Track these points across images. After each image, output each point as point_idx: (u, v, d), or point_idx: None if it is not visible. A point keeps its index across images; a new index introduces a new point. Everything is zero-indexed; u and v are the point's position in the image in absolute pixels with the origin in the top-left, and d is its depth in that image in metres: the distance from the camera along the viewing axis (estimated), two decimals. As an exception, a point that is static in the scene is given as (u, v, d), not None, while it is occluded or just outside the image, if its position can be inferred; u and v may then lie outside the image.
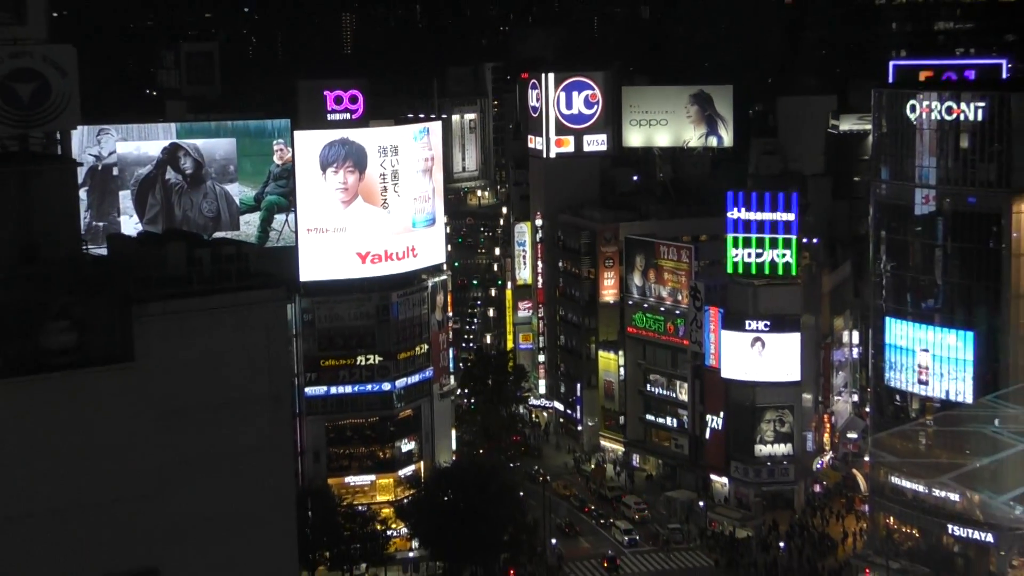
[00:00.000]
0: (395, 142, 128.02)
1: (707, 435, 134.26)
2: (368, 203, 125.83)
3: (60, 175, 62.30)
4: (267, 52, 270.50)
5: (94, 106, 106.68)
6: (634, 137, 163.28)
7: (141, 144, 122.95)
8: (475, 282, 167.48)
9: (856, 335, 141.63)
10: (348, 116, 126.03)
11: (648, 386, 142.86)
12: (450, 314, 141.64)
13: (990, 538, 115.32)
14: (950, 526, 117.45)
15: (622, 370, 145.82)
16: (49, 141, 66.18)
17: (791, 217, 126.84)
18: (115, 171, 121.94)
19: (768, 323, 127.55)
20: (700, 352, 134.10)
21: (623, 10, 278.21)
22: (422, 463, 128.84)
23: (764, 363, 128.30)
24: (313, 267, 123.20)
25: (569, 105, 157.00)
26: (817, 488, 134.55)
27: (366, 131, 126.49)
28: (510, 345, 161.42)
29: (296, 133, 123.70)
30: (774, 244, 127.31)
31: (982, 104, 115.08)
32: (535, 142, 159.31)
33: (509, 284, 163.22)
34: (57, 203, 60.58)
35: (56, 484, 50.52)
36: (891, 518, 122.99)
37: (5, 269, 56.69)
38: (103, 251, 61.72)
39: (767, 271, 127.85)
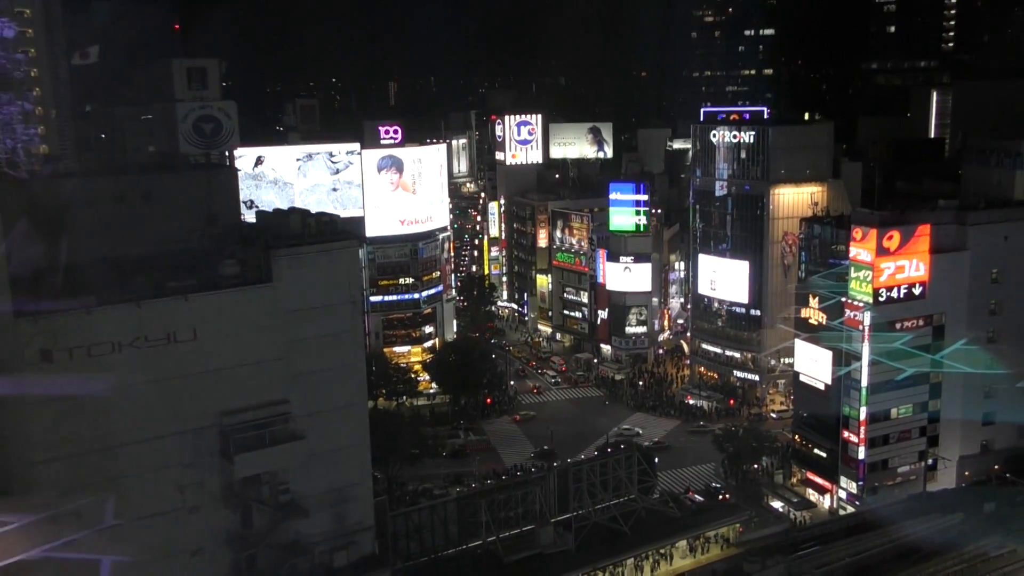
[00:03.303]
0: (420, 156, 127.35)
1: (598, 322, 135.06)
2: (405, 191, 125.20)
3: (228, 176, 62.15)
4: (346, 104, 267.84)
5: (246, 137, 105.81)
6: (556, 152, 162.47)
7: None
8: (466, 236, 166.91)
9: (682, 264, 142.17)
10: (393, 141, 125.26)
11: (565, 294, 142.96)
12: (452, 254, 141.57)
13: (756, 378, 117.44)
14: (734, 371, 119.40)
15: (550, 285, 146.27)
16: (222, 157, 65.95)
17: (644, 198, 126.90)
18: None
19: (632, 258, 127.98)
20: (594, 275, 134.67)
21: (550, 80, 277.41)
22: (437, 339, 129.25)
23: (630, 281, 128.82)
24: (374, 227, 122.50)
25: (519, 134, 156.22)
26: (660, 351, 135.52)
27: (404, 150, 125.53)
28: (486, 271, 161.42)
29: (363, 151, 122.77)
30: (634, 213, 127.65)
31: (753, 133, 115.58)
32: (499, 155, 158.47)
33: (486, 237, 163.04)
34: (227, 192, 60.46)
35: (228, 352, 50.80)
36: (702, 367, 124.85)
37: (198, 230, 56.76)
38: (253, 219, 61.41)
39: (629, 229, 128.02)
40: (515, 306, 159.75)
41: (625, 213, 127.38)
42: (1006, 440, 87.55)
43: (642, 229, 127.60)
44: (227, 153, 68.36)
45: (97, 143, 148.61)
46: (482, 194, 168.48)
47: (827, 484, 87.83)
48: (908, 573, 62.01)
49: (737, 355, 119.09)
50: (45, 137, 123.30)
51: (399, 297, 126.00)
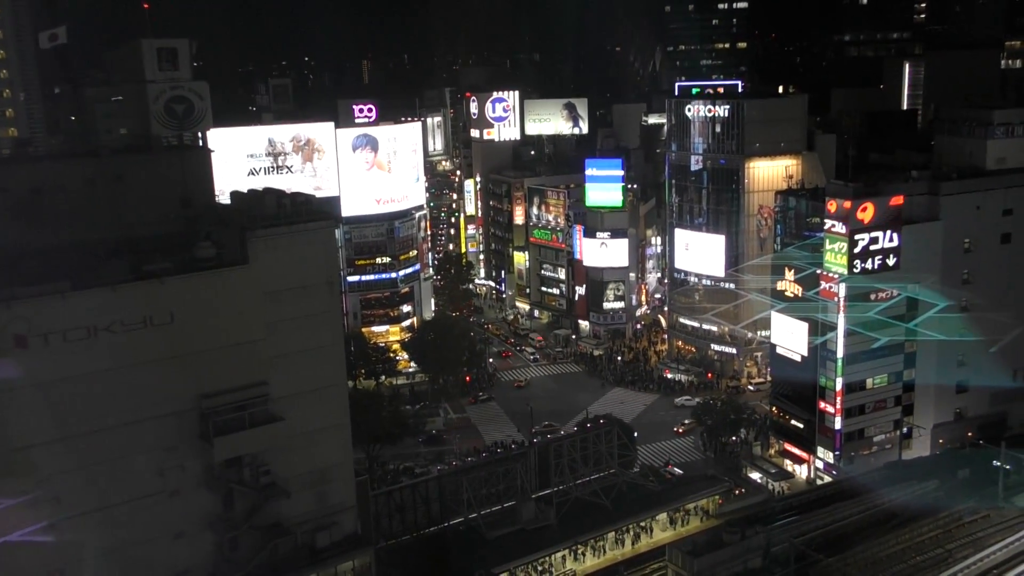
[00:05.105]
0: (395, 135, 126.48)
1: (576, 298, 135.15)
2: (380, 170, 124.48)
3: (201, 157, 61.41)
4: (320, 83, 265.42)
5: (219, 117, 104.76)
6: (531, 128, 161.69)
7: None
8: (443, 214, 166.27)
9: (659, 239, 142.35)
10: (367, 120, 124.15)
11: (542, 271, 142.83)
12: (428, 232, 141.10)
13: (733, 350, 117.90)
14: (712, 344, 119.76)
15: (527, 262, 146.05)
16: (194, 138, 65.07)
17: (620, 173, 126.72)
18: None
19: (609, 233, 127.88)
20: (571, 251, 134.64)
21: (525, 56, 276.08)
22: (415, 318, 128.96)
23: (607, 256, 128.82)
24: (350, 207, 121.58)
25: (494, 111, 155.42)
26: (638, 326, 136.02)
27: (378, 128, 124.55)
28: (463, 249, 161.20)
29: (338, 131, 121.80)
30: (621, 189, 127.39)
31: (727, 107, 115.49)
32: (475, 132, 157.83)
33: (462, 215, 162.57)
34: (201, 173, 59.75)
35: (205, 335, 50.50)
36: (680, 341, 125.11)
37: (173, 212, 56.23)
38: (228, 200, 60.73)
39: (608, 205, 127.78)
40: (493, 284, 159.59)
41: (603, 189, 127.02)
42: (979, 407, 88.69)
43: (621, 205, 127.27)
44: (200, 134, 67.37)
45: (67, 125, 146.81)
46: (458, 172, 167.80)
47: (804, 454, 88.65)
48: (885, 540, 62.83)
49: (714, 328, 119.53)
50: (14, 120, 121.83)
51: (376, 277, 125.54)
